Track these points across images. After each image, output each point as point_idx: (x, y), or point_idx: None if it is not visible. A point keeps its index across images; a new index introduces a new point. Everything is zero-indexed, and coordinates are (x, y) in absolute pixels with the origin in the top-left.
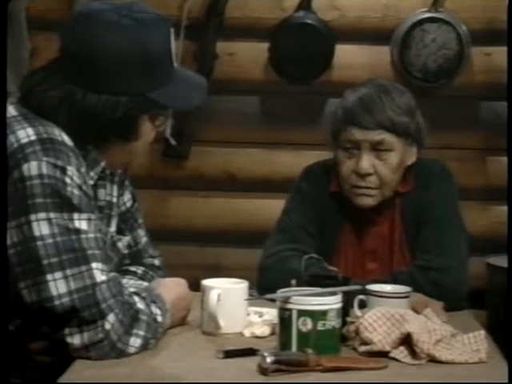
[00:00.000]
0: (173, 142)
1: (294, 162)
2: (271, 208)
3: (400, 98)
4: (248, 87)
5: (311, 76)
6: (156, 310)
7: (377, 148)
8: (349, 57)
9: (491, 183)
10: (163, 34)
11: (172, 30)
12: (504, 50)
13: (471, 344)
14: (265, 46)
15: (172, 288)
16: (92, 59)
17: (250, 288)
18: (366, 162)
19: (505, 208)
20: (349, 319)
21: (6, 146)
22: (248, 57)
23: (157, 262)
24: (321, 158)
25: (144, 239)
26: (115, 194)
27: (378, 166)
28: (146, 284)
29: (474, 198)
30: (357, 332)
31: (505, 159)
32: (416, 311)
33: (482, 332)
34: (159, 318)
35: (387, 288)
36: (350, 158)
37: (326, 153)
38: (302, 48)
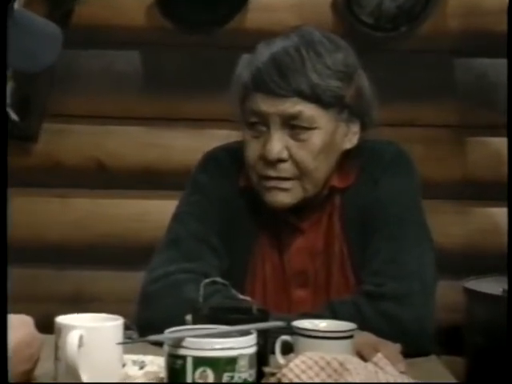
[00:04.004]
0: (14, 116)
1: (190, 145)
2: (158, 212)
3: (331, 55)
4: (124, 37)
5: (216, 21)
6: None
7: (292, 124)
8: None
9: (471, 175)
10: None
11: None
12: None
13: None
14: None
15: (12, 329)
16: None
17: (127, 327)
18: (277, 143)
19: (490, 210)
20: (267, 370)
21: None
22: None
23: None
24: (229, 140)
25: None
26: None
27: (293, 148)
28: None
29: (446, 195)
30: None
31: (491, 140)
32: (362, 357)
33: None
34: None
35: (322, 324)
36: (257, 138)
37: (237, 132)
38: None
